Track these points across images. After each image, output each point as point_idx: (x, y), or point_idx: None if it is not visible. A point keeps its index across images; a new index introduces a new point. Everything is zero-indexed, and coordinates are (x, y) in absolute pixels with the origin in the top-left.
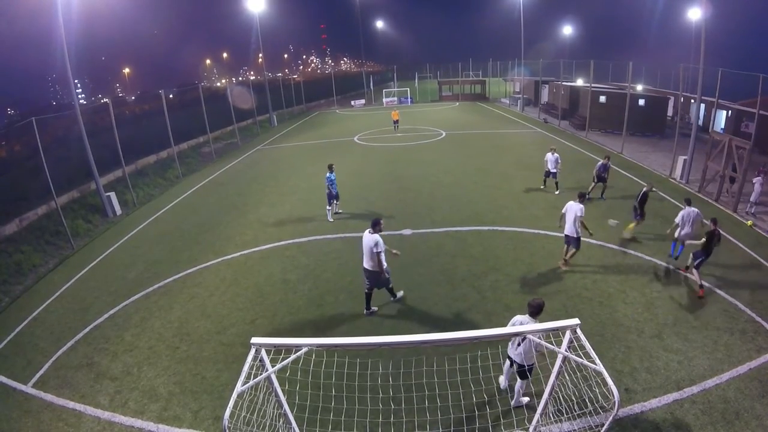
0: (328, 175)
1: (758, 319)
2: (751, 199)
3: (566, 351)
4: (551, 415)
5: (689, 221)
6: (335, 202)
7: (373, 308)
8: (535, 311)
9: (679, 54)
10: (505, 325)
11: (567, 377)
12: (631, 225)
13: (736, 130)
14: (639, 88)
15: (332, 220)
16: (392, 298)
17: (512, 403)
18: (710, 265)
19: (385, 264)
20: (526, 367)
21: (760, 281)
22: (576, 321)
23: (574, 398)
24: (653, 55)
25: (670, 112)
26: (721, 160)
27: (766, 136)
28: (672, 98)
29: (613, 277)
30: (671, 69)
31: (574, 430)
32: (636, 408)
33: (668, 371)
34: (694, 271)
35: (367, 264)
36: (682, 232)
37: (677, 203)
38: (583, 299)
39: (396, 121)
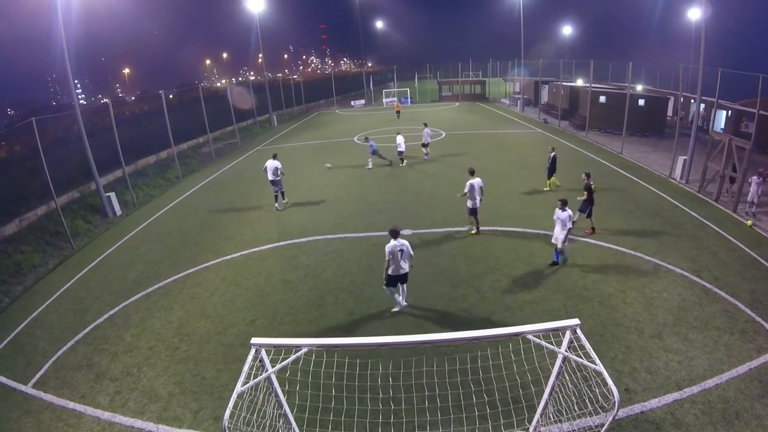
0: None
1: (758, 319)
2: (749, 199)
3: (566, 351)
4: (551, 415)
5: (564, 221)
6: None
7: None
8: (396, 235)
9: (679, 54)
10: (505, 324)
11: (567, 377)
12: (549, 181)
13: (736, 130)
14: (639, 88)
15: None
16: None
17: (401, 307)
18: (710, 264)
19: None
20: (407, 273)
21: (760, 281)
22: (576, 321)
23: (574, 398)
24: (653, 55)
25: (670, 113)
26: (721, 160)
27: (766, 136)
28: (672, 98)
29: (613, 277)
30: (671, 69)
31: (574, 430)
32: (636, 408)
33: (668, 371)
34: (587, 219)
35: (272, 177)
36: (562, 233)
37: (677, 203)
38: (583, 299)
39: (398, 112)
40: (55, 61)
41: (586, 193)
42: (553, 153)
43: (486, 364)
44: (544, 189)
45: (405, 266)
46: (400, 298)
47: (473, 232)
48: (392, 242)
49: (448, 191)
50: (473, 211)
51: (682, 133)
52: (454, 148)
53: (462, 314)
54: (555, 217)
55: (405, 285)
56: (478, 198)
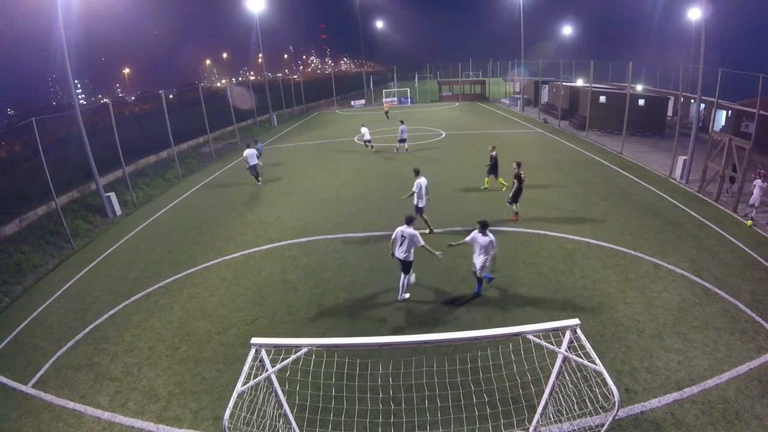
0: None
1: (758, 319)
2: (750, 202)
3: (566, 351)
4: (551, 415)
5: (486, 247)
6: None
7: None
8: (410, 221)
9: (679, 54)
10: (505, 324)
11: (567, 377)
12: (487, 179)
13: (736, 130)
14: (639, 88)
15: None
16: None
17: (399, 298)
18: (711, 264)
19: None
20: (407, 262)
21: (760, 281)
22: (576, 321)
23: (574, 398)
24: (653, 55)
25: (670, 112)
26: (721, 160)
27: (766, 136)
28: (672, 98)
29: (613, 277)
30: (671, 69)
31: (574, 430)
32: (636, 408)
33: (668, 371)
34: (513, 206)
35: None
36: (480, 258)
37: (677, 203)
38: (582, 299)
39: (386, 112)
40: (55, 61)
41: (516, 182)
42: (494, 152)
43: (486, 364)
44: (481, 188)
45: (403, 254)
46: (404, 287)
47: (427, 232)
48: (401, 227)
49: (448, 191)
50: (421, 211)
51: (682, 133)
52: (454, 148)
53: (462, 314)
54: (469, 239)
55: (403, 276)
56: (425, 197)
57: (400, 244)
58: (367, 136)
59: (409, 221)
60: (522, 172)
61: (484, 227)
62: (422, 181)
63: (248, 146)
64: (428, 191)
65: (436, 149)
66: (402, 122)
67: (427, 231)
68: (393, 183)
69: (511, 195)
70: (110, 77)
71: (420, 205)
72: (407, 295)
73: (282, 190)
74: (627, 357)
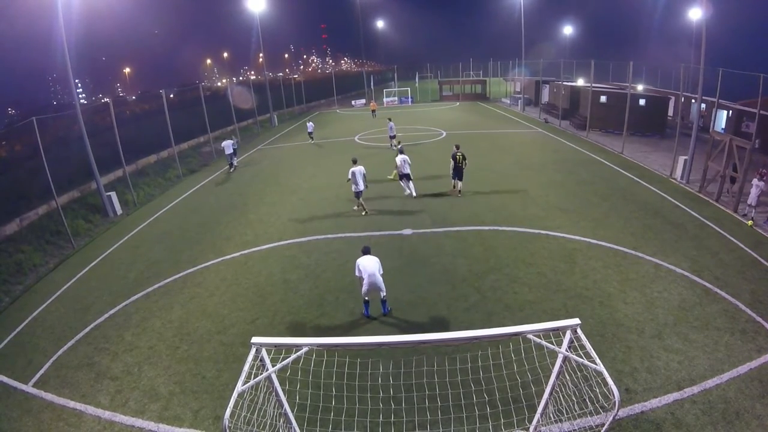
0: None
1: (758, 319)
2: (749, 201)
3: (567, 351)
4: (551, 415)
5: (372, 272)
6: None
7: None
8: (402, 151)
9: (680, 54)
10: (505, 324)
11: (567, 377)
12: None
13: (737, 130)
14: (639, 88)
15: None
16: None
17: (414, 194)
18: (711, 264)
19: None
20: (408, 174)
21: (760, 281)
22: (576, 321)
23: (574, 398)
24: (654, 55)
25: (670, 112)
26: (722, 160)
27: (767, 136)
28: (673, 98)
29: (613, 277)
30: (672, 69)
31: (575, 430)
32: (636, 408)
33: (668, 371)
34: (453, 181)
35: (230, 150)
36: (366, 285)
37: (677, 203)
38: (583, 299)
39: (373, 111)
40: (55, 60)
41: (452, 161)
42: (399, 145)
43: (486, 364)
44: (388, 177)
45: (407, 170)
46: (411, 187)
47: (363, 214)
48: (400, 156)
49: (446, 190)
50: (358, 195)
51: (683, 133)
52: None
53: (462, 314)
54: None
55: (410, 182)
56: (361, 183)
57: (405, 165)
58: (310, 129)
59: (402, 151)
60: (459, 153)
61: (365, 252)
62: (356, 169)
63: (225, 140)
64: (365, 179)
65: (436, 149)
66: (390, 120)
67: (363, 213)
68: (392, 183)
69: (452, 171)
70: (111, 77)
71: (359, 189)
72: (414, 194)
73: (282, 189)
74: (627, 357)
